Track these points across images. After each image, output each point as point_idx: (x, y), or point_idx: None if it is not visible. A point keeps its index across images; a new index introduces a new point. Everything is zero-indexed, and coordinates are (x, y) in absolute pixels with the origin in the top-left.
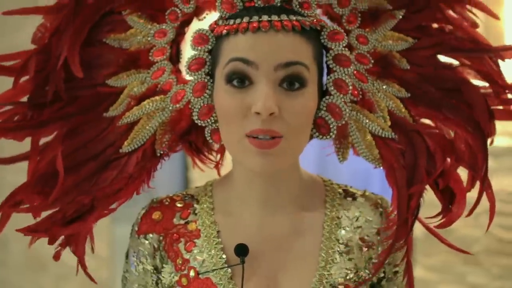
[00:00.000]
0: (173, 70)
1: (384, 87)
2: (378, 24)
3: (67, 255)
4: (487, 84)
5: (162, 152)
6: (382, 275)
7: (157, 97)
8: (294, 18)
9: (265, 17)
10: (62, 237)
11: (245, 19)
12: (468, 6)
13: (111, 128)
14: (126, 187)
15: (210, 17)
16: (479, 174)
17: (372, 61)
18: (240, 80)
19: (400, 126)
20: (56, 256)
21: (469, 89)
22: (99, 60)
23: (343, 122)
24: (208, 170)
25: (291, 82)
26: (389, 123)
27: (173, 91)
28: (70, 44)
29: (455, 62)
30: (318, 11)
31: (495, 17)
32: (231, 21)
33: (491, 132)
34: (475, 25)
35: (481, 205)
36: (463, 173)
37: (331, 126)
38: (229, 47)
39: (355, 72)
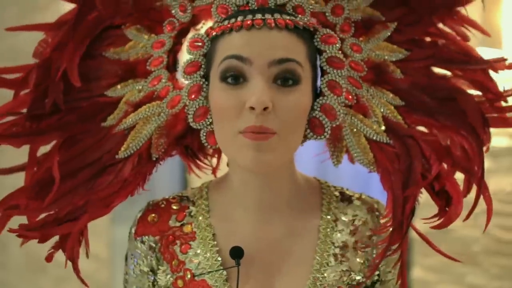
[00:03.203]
0: (170, 78)
1: (378, 94)
2: (372, 34)
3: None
4: (481, 93)
5: (157, 157)
6: (376, 278)
7: (153, 103)
8: (288, 17)
9: (258, 16)
10: (56, 239)
11: (240, 18)
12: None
13: (108, 136)
14: (120, 191)
15: (206, 27)
16: (476, 177)
17: (366, 69)
18: (235, 77)
19: (394, 131)
20: (49, 258)
21: (464, 98)
22: (98, 73)
23: (337, 123)
24: (207, 172)
25: (285, 78)
26: (383, 128)
27: (169, 96)
28: (70, 56)
29: (448, 73)
30: (312, 20)
31: (486, 33)
32: (226, 22)
33: (486, 139)
34: (466, 38)
35: (479, 205)
36: (459, 174)
37: (325, 126)
38: (223, 46)
39: (349, 78)
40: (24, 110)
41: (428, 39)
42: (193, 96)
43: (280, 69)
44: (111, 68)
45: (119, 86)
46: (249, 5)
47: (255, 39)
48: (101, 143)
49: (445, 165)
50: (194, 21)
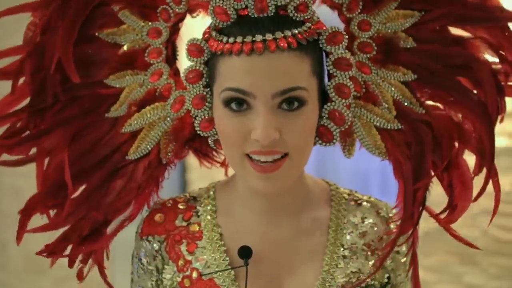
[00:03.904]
0: (171, 73)
1: (388, 74)
2: (382, 5)
3: (66, 258)
4: (498, 60)
5: (168, 160)
6: (386, 280)
7: (157, 104)
8: (290, 33)
9: (259, 37)
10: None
11: (239, 39)
12: None
13: (114, 131)
14: (136, 199)
15: (203, 15)
16: (487, 160)
17: (376, 48)
18: (238, 103)
19: (406, 115)
20: (80, 276)
21: (479, 66)
22: (95, 57)
23: (346, 127)
24: (207, 172)
25: (290, 102)
26: (394, 113)
27: (172, 97)
28: (63, 45)
29: (464, 35)
30: (316, 3)
31: None
32: (224, 39)
33: (501, 109)
34: None
35: (478, 205)
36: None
37: (334, 134)
38: (224, 70)
39: (357, 63)
40: (26, 101)
41: None
42: (197, 107)
43: (283, 98)
44: (108, 56)
45: (118, 75)
46: (248, 9)
47: (256, 67)
48: (108, 138)
49: (456, 145)
50: (190, 11)
